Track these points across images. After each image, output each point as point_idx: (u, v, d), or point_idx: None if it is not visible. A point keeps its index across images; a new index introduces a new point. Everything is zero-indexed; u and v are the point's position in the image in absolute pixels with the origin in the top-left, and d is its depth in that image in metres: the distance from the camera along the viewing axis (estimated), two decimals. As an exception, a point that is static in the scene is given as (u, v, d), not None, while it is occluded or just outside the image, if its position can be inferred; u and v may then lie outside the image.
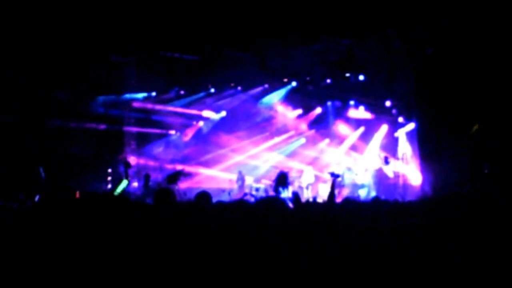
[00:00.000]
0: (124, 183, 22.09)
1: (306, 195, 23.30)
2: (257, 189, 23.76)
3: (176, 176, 20.16)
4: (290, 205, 5.59)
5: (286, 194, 21.62)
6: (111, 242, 2.52)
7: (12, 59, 19.04)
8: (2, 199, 14.64)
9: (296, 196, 14.52)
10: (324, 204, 12.39)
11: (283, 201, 3.79)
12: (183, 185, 20.04)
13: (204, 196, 7.19)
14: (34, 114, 20.74)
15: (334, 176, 18.04)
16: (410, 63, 21.40)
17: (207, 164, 26.52)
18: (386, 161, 23.66)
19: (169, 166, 24.93)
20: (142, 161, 25.58)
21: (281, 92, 27.05)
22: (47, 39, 18.94)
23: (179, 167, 22.00)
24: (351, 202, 8.93)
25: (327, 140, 27.41)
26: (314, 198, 22.58)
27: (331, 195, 12.08)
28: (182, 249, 2.61)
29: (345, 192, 23.02)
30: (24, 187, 17.73)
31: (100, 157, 23.36)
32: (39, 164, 18.71)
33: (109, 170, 22.57)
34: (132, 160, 23.56)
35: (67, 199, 3.68)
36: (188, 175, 21.60)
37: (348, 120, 26.96)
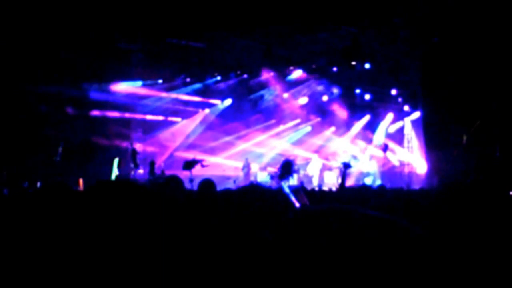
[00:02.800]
0: (115, 162, 22.30)
1: (312, 183, 23.40)
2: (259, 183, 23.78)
3: (192, 164, 20.44)
4: (295, 202, 5.59)
5: (291, 182, 21.78)
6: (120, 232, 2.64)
7: (21, 45, 19.14)
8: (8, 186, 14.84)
9: (301, 187, 14.66)
10: (333, 192, 12.56)
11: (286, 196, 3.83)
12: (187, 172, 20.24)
13: (208, 183, 7.01)
14: (41, 102, 20.82)
15: (347, 166, 18.25)
16: (416, 51, 21.46)
17: (212, 151, 26.68)
18: (385, 149, 23.77)
19: (183, 155, 25.13)
20: (148, 148, 25.66)
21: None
22: (54, 26, 19.01)
23: (199, 157, 22.23)
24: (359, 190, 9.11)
25: (332, 128, 27.49)
26: (320, 186, 22.70)
27: (342, 185, 12.21)
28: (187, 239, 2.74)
29: (350, 181, 23.16)
30: (29, 175, 17.95)
31: (107, 144, 23.43)
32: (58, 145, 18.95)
33: (117, 158, 22.64)
34: (139, 147, 23.67)
35: (68, 189, 3.81)
36: (199, 162, 21.80)
37: (354, 108, 27.02)
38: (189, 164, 20.75)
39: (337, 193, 11.25)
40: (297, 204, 5.23)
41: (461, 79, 18.44)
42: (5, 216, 3.24)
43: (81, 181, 19.49)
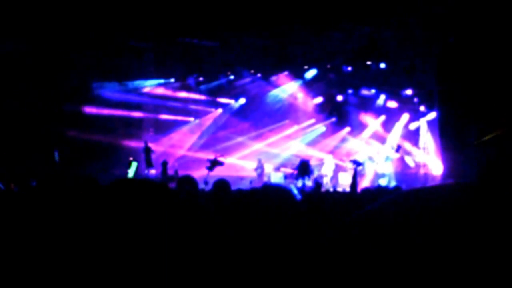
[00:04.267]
0: (134, 165, 22.35)
1: (326, 184, 23.37)
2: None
3: (214, 165, 20.54)
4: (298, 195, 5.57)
5: (308, 183, 21.81)
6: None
7: (32, 43, 19.26)
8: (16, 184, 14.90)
9: (317, 184, 14.68)
10: (345, 194, 12.57)
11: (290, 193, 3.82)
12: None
13: (222, 184, 6.83)
14: (52, 100, 20.93)
15: (356, 164, 18.25)
16: (432, 51, 21.39)
17: (226, 151, 26.67)
18: (398, 149, 23.73)
19: (196, 155, 25.21)
20: (160, 148, 25.69)
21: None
22: (65, 25, 19.11)
23: (213, 155, 22.31)
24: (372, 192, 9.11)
25: (347, 129, 27.44)
26: (334, 187, 22.68)
27: (353, 184, 12.21)
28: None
29: (366, 182, 23.16)
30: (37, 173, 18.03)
31: (119, 144, 23.53)
32: (54, 148, 18.97)
33: (130, 158, 22.73)
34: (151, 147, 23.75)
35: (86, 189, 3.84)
36: (221, 164, 21.90)
37: (369, 109, 26.97)
38: (212, 165, 20.86)
39: (350, 194, 11.22)
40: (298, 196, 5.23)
41: (477, 79, 18.36)
42: (17, 212, 3.29)
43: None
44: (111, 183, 3.03)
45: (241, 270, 2.53)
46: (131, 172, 22.49)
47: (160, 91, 26.58)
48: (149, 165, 23.15)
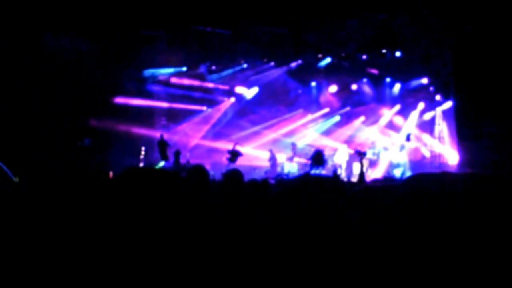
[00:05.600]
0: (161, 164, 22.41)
1: (341, 174, 23.34)
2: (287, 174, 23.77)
3: (235, 156, 20.57)
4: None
5: (322, 172, 21.80)
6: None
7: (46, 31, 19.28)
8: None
9: (335, 174, 14.67)
10: (355, 183, 12.54)
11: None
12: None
13: (234, 174, 6.75)
14: (66, 90, 20.93)
15: (360, 154, 18.27)
16: (448, 39, 21.24)
17: (239, 141, 26.67)
18: (408, 138, 23.66)
19: (209, 144, 25.24)
20: (172, 137, 25.67)
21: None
22: (76, 12, 19.11)
23: (230, 145, 22.37)
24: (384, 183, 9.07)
25: (362, 118, 27.35)
26: (348, 177, 22.69)
27: (361, 174, 12.19)
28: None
29: (380, 172, 23.13)
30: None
31: (131, 133, 23.53)
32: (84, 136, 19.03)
33: (143, 148, 22.75)
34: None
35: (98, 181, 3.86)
36: (241, 154, 21.96)
37: (384, 98, 26.89)
38: (233, 156, 20.92)
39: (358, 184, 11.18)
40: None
41: (495, 68, 18.24)
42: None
43: (111, 173, 19.53)
44: (122, 172, 3.03)
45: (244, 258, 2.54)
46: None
47: (173, 80, 26.57)
48: (165, 158, 23.12)
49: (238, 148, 22.61)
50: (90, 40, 20.63)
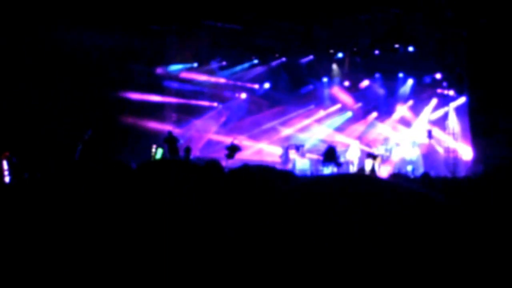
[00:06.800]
0: (159, 152, 22.31)
1: (352, 170, 23.24)
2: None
3: (234, 151, 20.49)
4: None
5: (333, 169, 21.75)
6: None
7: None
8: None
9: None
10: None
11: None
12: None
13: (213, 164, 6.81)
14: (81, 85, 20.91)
15: (371, 156, 18.27)
16: (462, 34, 21.10)
17: (251, 137, 26.61)
18: (430, 135, 23.53)
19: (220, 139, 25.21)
20: (183, 133, 25.60)
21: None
22: (87, 7, 19.12)
23: (230, 139, 22.31)
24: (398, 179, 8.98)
25: (374, 114, 27.23)
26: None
27: (373, 172, 12.16)
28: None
29: (391, 168, 23.05)
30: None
31: (142, 128, 23.50)
32: (78, 144, 18.97)
33: (154, 145, 22.70)
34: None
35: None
36: (240, 148, 21.89)
37: (397, 93, 26.75)
38: (232, 152, 20.82)
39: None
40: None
41: (509, 63, 18.14)
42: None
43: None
44: (140, 165, 3.01)
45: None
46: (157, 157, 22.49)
47: (184, 75, 26.53)
48: (174, 154, 23.00)
49: (236, 141, 22.52)
50: (100, 34, 20.60)
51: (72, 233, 2.75)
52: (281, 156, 24.91)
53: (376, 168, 22.84)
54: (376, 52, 25.13)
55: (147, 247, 2.56)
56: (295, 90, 28.05)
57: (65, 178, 3.58)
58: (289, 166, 24.14)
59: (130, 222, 2.70)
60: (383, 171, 22.63)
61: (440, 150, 24.58)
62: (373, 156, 19.82)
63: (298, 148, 24.79)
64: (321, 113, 28.14)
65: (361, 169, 19.86)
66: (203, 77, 27.07)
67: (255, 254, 2.24)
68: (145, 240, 2.58)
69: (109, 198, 3.01)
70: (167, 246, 2.53)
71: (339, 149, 23.95)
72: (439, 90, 25.19)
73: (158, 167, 3.05)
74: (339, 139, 26.31)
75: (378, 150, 24.26)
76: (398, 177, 10.46)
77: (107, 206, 2.90)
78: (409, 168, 22.69)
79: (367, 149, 25.13)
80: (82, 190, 3.25)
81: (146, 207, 2.74)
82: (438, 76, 24.83)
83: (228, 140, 23.77)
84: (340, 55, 26.12)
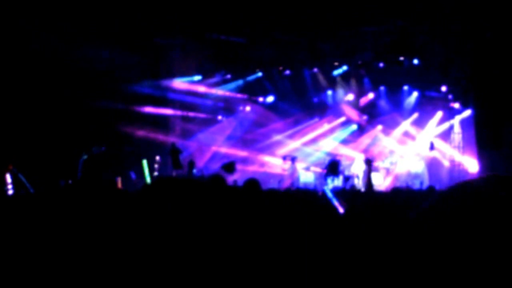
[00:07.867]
0: (144, 164, 22.32)
1: (358, 184, 23.18)
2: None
3: (232, 166, 20.39)
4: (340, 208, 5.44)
5: (336, 182, 21.70)
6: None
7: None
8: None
9: (346, 179, 14.46)
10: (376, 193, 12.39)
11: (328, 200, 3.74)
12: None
13: (253, 183, 6.91)
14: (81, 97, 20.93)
15: (369, 162, 18.25)
16: (468, 46, 21.08)
17: (255, 150, 26.61)
18: (432, 147, 23.50)
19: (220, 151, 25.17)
20: (187, 147, 25.58)
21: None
22: (89, 20, 19.15)
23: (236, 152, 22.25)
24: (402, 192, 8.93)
25: (379, 127, 27.16)
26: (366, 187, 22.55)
27: (368, 182, 12.09)
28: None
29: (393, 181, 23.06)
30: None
31: (147, 140, 23.48)
32: (80, 158, 19.00)
33: (157, 157, 22.69)
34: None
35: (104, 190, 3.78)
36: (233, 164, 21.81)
37: (402, 106, 26.70)
38: (230, 167, 20.71)
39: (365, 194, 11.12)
40: (340, 209, 5.14)
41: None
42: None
43: (119, 180, 19.53)
44: (154, 181, 3.03)
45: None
46: (145, 171, 22.54)
47: (187, 88, 26.50)
48: (178, 166, 22.94)
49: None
50: (103, 47, 20.62)
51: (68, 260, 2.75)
52: (288, 169, 24.81)
53: (381, 181, 22.83)
54: (381, 65, 25.10)
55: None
56: (299, 103, 28.00)
57: (61, 199, 3.58)
58: (295, 178, 24.11)
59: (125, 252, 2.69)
60: (388, 184, 22.62)
61: (446, 163, 24.53)
62: (369, 161, 19.82)
63: (293, 159, 24.74)
64: (326, 126, 28.08)
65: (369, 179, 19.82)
66: (207, 90, 27.04)
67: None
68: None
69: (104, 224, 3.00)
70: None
71: (344, 162, 23.92)
72: (444, 103, 25.15)
73: (156, 190, 3.01)
74: (344, 152, 26.24)
75: (383, 163, 24.22)
76: (398, 191, 10.40)
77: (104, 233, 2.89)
78: (417, 182, 22.63)
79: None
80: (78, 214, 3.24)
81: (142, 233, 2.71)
82: (443, 88, 24.79)
83: (233, 152, 23.76)
84: (344, 68, 26.08)
